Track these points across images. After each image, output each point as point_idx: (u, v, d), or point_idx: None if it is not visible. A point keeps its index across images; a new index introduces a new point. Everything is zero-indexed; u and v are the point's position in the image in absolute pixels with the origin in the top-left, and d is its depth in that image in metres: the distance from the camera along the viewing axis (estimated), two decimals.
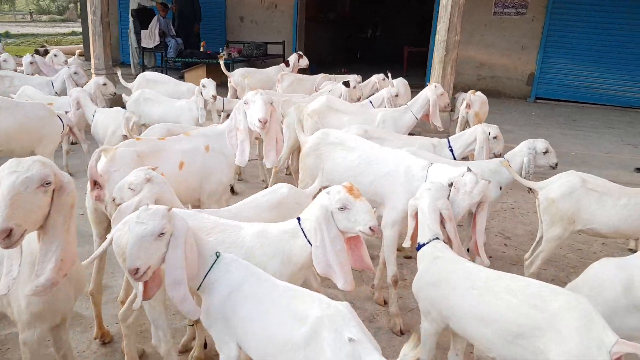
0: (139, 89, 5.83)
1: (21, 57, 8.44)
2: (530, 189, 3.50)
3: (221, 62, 7.40)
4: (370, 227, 2.19)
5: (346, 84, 5.64)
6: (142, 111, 5.43)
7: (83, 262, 2.28)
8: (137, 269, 1.82)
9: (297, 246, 2.32)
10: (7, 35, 25.13)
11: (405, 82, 5.59)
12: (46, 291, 1.88)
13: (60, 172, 1.91)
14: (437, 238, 2.46)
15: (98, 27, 8.18)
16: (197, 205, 3.36)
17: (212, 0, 13.38)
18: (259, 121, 3.21)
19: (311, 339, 1.76)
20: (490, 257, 3.92)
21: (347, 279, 2.25)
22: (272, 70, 7.70)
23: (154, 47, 11.38)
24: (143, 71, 9.10)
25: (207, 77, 10.84)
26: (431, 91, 4.71)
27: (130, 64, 12.50)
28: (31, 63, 7.41)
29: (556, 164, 3.74)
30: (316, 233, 2.23)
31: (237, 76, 7.29)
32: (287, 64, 7.84)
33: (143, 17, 11.61)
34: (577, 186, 3.25)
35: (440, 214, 2.53)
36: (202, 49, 11.17)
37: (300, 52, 8.09)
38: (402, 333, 3.22)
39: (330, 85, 6.15)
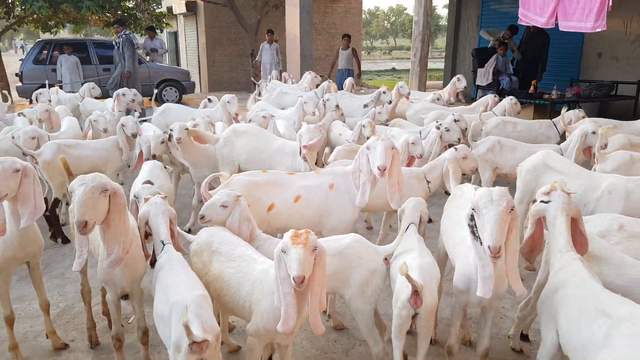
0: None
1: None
2: None
3: None
4: (293, 277, 2.09)
5: None
6: None
7: None
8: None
9: None
10: (393, 70, 29.63)
11: None
12: (117, 264, 2.62)
13: (113, 182, 2.60)
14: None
15: (416, 67, 8.96)
16: None
17: (569, 37, 12.29)
18: (378, 169, 3.16)
19: (170, 316, 2.22)
20: None
21: (286, 323, 2.19)
22: None
23: (486, 85, 11.43)
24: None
25: (534, 117, 10.27)
26: None
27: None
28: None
29: None
30: (274, 268, 2.26)
31: None
32: None
33: (483, 56, 11.81)
34: None
35: None
36: (531, 89, 10.52)
37: None
38: None
39: None
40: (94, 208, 2.48)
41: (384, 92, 7.70)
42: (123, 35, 11.02)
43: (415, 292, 2.41)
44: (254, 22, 16.88)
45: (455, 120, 5.50)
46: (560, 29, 7.04)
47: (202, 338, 2.04)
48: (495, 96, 8.19)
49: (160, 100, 13.58)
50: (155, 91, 8.13)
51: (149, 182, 3.82)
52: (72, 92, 10.52)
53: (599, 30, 6.47)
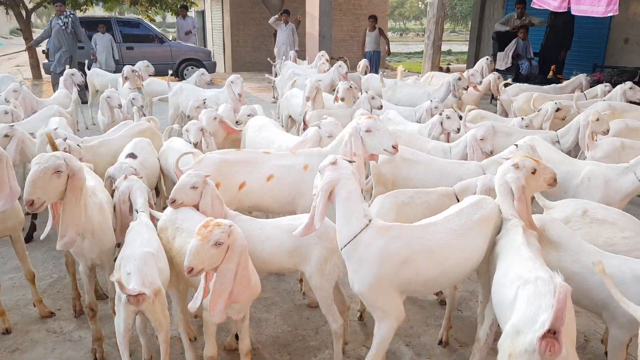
0: None
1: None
2: None
3: None
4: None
5: None
6: None
7: None
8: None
9: None
10: (448, 53, 29.08)
11: None
12: (69, 246, 2.67)
13: (73, 163, 2.64)
14: None
15: (429, 50, 8.81)
16: None
17: (595, 21, 11.84)
18: (393, 147, 3.27)
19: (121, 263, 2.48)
20: None
21: (194, 302, 2.38)
22: None
23: (505, 69, 11.16)
24: None
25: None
26: None
27: None
28: None
29: None
30: None
31: None
32: None
33: (503, 39, 11.51)
34: None
35: None
36: (551, 74, 10.24)
37: None
38: None
39: None
40: (42, 188, 2.53)
41: (459, 79, 6.83)
42: (71, 15, 10.81)
43: None
44: (277, 2, 16.79)
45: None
46: (572, 12, 6.84)
47: (137, 292, 2.19)
48: (587, 76, 7.93)
49: (182, 79, 13.66)
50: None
51: (132, 155, 3.90)
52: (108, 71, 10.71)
53: (611, 14, 6.27)
